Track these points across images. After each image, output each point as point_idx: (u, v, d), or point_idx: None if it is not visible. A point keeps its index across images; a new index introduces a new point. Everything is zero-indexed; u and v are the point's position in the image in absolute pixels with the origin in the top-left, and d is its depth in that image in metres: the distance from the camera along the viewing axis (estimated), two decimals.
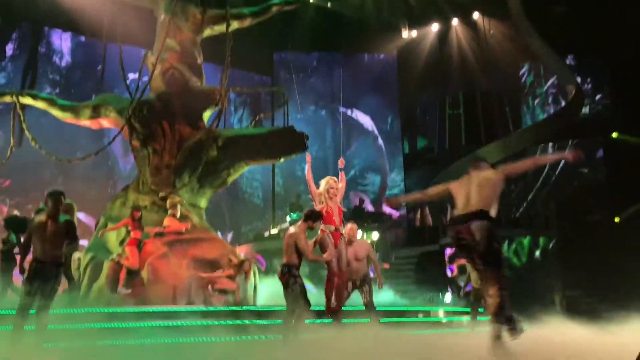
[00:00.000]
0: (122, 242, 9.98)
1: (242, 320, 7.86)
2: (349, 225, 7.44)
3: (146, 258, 9.50)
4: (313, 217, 6.55)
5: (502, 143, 18.19)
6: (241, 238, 19.58)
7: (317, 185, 7.06)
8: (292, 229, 6.56)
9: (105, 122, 11.80)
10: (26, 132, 11.05)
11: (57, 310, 7.35)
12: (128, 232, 9.80)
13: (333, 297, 6.82)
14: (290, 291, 6.29)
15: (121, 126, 11.29)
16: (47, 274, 5.82)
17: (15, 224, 9.35)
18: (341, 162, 7.19)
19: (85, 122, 11.75)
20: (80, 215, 12.81)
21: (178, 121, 11.49)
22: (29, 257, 6.11)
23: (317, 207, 6.94)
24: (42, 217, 6.03)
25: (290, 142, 11.55)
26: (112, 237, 10.27)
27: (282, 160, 12.22)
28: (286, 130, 11.83)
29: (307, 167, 6.96)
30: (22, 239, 6.50)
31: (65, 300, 8.97)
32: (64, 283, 6.20)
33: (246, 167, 12.27)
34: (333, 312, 6.85)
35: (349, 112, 25.58)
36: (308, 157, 7.12)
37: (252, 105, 24.69)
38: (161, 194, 10.77)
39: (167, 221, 10.40)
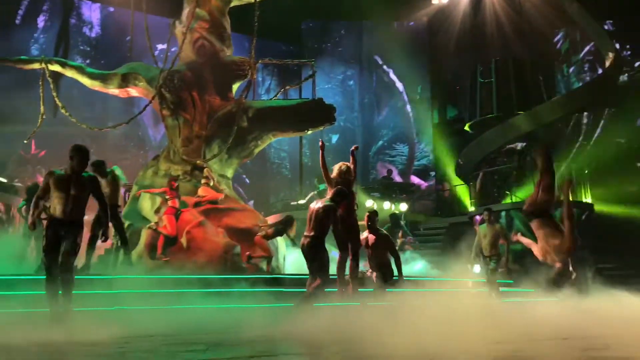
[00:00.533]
0: (157, 211, 10.14)
1: (278, 288, 7.97)
2: (367, 214, 7.49)
3: (184, 226, 9.66)
4: (340, 196, 6.57)
5: (534, 113, 17.72)
6: (270, 208, 19.76)
7: (331, 171, 7.01)
8: (320, 203, 6.57)
9: (133, 91, 11.89)
10: (56, 100, 11.18)
11: (101, 276, 7.60)
12: (165, 201, 9.91)
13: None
14: (316, 263, 6.35)
15: (150, 95, 11.37)
16: (68, 235, 5.47)
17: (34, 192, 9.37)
18: (354, 148, 7.13)
19: (114, 91, 11.86)
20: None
21: (208, 92, 11.52)
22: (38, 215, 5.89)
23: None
24: (63, 172, 5.60)
25: (318, 114, 11.60)
26: (147, 206, 10.43)
27: (309, 132, 12.19)
28: (315, 102, 11.81)
29: (321, 154, 6.89)
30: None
31: (109, 263, 9.29)
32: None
33: (273, 138, 12.32)
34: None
35: (378, 76, 25.30)
36: (321, 143, 7.02)
37: (280, 76, 24.61)
38: (198, 162, 10.88)
39: (202, 191, 10.55)
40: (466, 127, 20.45)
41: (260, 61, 13.08)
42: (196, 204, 10.28)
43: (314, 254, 6.46)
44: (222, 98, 11.73)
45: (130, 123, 12.02)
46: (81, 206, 5.66)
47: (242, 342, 4.67)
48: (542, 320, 5.88)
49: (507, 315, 6.61)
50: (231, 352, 4.03)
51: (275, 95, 13.84)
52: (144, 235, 9.71)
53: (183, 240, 9.60)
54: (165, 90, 10.97)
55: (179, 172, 10.98)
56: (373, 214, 7.60)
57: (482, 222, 10.87)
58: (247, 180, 23.52)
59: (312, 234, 6.48)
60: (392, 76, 25.11)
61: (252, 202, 20.97)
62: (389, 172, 22.55)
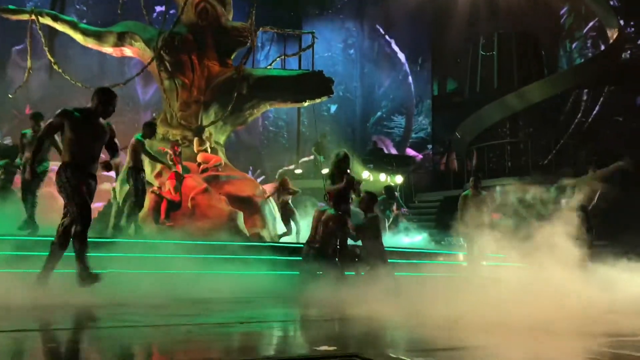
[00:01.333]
0: (157, 176, 10.09)
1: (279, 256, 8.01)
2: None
3: (188, 192, 9.64)
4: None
5: (536, 87, 17.60)
6: (267, 177, 19.76)
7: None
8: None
9: (128, 51, 11.64)
10: (48, 55, 10.90)
11: (105, 239, 7.60)
12: (167, 166, 9.79)
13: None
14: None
15: (146, 56, 11.18)
16: (88, 184, 5.02)
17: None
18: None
19: (108, 49, 11.59)
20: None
21: (208, 56, 11.36)
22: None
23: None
24: (84, 113, 5.02)
25: (317, 86, 11.62)
26: (147, 170, 10.34)
27: (306, 104, 12.18)
28: (315, 74, 11.76)
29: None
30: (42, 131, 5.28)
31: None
32: None
33: (270, 107, 12.33)
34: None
35: (380, 46, 24.98)
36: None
37: (279, 42, 24.27)
38: (204, 126, 10.78)
39: (202, 157, 10.48)
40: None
41: (261, 29, 12.89)
42: (203, 170, 10.28)
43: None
44: (221, 64, 11.59)
45: (127, 84, 11.86)
46: (98, 154, 5.17)
47: (236, 308, 4.73)
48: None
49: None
50: (222, 317, 4.08)
51: (271, 63, 13.59)
52: (147, 199, 9.62)
53: (189, 206, 9.60)
54: (165, 52, 10.78)
55: (178, 136, 10.88)
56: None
57: (465, 189, 10.58)
58: (244, 148, 23.45)
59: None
60: (394, 46, 24.80)
61: (250, 171, 20.95)
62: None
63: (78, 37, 11.27)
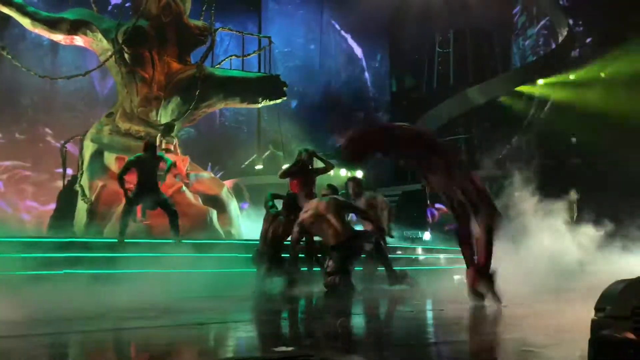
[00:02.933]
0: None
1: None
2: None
3: (165, 191, 9.55)
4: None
5: (490, 84, 18.08)
6: (227, 173, 19.61)
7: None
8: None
9: (79, 40, 11.19)
10: None
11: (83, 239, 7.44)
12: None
13: None
14: None
15: (98, 47, 10.86)
16: None
17: None
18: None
19: (57, 37, 11.10)
20: (68, 146, 12.67)
21: (168, 53, 11.21)
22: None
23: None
24: None
25: (274, 89, 12.00)
26: (114, 166, 10.10)
27: (260, 105, 12.45)
28: (272, 78, 12.15)
29: None
30: None
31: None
32: None
33: (224, 106, 12.50)
34: None
35: (337, 42, 25.11)
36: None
37: (238, 38, 24.06)
38: (171, 123, 10.60)
39: (173, 156, 10.34)
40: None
41: (220, 29, 12.98)
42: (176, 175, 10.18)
43: None
44: (180, 61, 11.50)
45: (85, 76, 11.55)
46: None
47: (199, 309, 4.75)
48: None
49: None
50: (181, 318, 4.09)
51: (220, 63, 13.35)
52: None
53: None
54: (126, 45, 10.54)
55: (142, 132, 10.64)
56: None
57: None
58: (202, 144, 23.21)
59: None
60: (351, 42, 24.99)
61: (209, 167, 20.75)
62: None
63: (25, 21, 10.52)
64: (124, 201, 8.07)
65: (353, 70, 24.85)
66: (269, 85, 11.93)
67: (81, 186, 10.21)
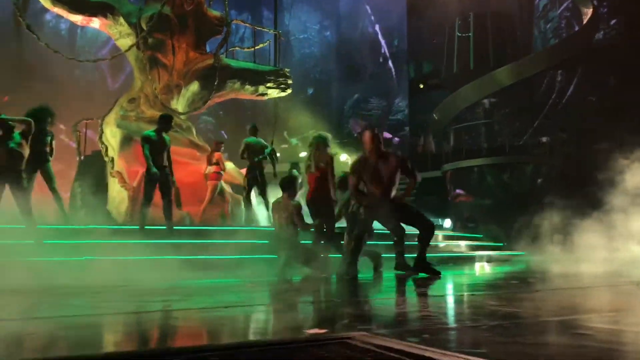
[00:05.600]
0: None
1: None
2: None
3: (203, 180, 9.80)
4: None
5: (512, 68, 17.68)
6: (242, 162, 19.49)
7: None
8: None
9: (96, 22, 11.10)
10: (20, 20, 10.12)
11: (75, 226, 7.38)
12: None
13: None
14: None
15: (113, 31, 10.73)
16: None
17: None
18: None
19: (76, 17, 10.94)
20: (89, 133, 12.74)
21: (187, 41, 11.21)
22: None
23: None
24: None
25: (281, 83, 12.22)
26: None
27: (266, 98, 12.49)
28: (281, 72, 12.35)
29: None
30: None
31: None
32: None
33: (232, 97, 12.59)
34: None
35: (358, 29, 24.81)
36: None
37: (254, 25, 23.90)
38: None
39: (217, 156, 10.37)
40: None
41: (235, 21, 13.12)
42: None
43: None
44: (197, 50, 11.50)
45: (97, 69, 11.48)
46: None
47: (219, 292, 4.63)
48: None
49: None
50: (206, 302, 3.97)
51: (217, 51, 13.08)
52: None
53: (210, 192, 9.75)
54: (149, 32, 10.50)
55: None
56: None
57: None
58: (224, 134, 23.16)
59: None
60: (376, 28, 24.66)
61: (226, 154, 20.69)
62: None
63: (45, 1, 10.55)
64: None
65: (374, 58, 24.56)
66: (278, 79, 12.21)
67: (119, 172, 10.16)
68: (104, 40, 20.06)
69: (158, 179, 7.43)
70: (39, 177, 7.37)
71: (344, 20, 24.86)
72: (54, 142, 7.70)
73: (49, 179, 7.47)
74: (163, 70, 10.84)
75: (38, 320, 3.06)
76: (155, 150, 7.47)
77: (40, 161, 7.33)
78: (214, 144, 10.25)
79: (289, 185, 6.80)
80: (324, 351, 2.00)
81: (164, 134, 7.60)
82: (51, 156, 7.57)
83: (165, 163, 7.51)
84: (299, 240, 6.67)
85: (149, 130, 7.82)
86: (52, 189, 7.52)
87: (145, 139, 7.47)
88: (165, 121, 7.66)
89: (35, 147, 7.09)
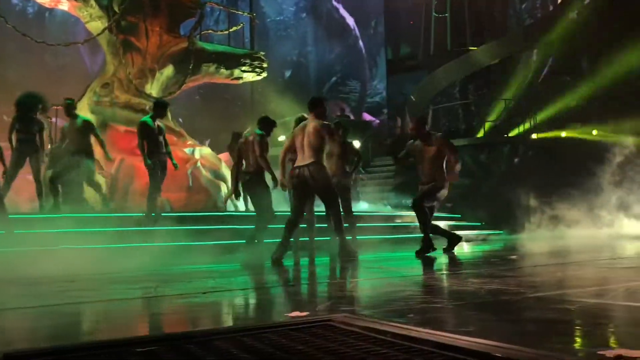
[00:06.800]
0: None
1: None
2: None
3: (181, 165, 9.39)
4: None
5: (489, 48, 17.69)
6: (221, 145, 19.26)
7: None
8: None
9: (65, 4, 10.75)
10: None
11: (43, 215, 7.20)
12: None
13: None
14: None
15: (85, 13, 10.40)
16: None
17: None
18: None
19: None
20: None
21: (160, 24, 10.95)
22: None
23: None
24: None
25: (256, 66, 12.08)
26: (124, 140, 9.85)
27: (241, 82, 12.31)
28: (256, 55, 12.22)
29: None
30: None
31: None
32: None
33: (206, 81, 12.36)
34: None
35: (328, 11, 24.56)
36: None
37: (229, 6, 23.49)
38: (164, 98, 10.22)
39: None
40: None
41: (209, 3, 12.78)
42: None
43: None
44: (170, 34, 11.24)
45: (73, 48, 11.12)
46: None
47: (194, 278, 4.54)
48: None
49: None
50: (184, 288, 3.88)
51: (191, 34, 12.81)
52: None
53: (189, 180, 9.62)
54: (124, 13, 10.23)
55: (145, 105, 10.33)
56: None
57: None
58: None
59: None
60: (343, 12, 24.43)
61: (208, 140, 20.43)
62: (342, 110, 22.32)
63: None
64: (145, 175, 7.74)
65: (346, 40, 24.36)
66: (254, 62, 12.04)
67: (96, 160, 9.87)
68: (73, 22, 19.55)
69: (159, 167, 7.31)
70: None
71: (321, 3, 24.58)
72: (44, 133, 7.60)
73: (35, 170, 7.40)
74: (137, 54, 10.61)
75: (17, 311, 2.95)
76: (153, 137, 7.31)
77: (27, 151, 7.23)
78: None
79: None
80: (306, 334, 1.93)
81: (158, 121, 7.47)
82: (42, 147, 7.48)
83: (164, 149, 7.42)
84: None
85: (146, 116, 7.63)
86: (36, 180, 7.43)
87: (144, 126, 7.26)
88: (161, 107, 7.57)
89: (22, 135, 6.99)
